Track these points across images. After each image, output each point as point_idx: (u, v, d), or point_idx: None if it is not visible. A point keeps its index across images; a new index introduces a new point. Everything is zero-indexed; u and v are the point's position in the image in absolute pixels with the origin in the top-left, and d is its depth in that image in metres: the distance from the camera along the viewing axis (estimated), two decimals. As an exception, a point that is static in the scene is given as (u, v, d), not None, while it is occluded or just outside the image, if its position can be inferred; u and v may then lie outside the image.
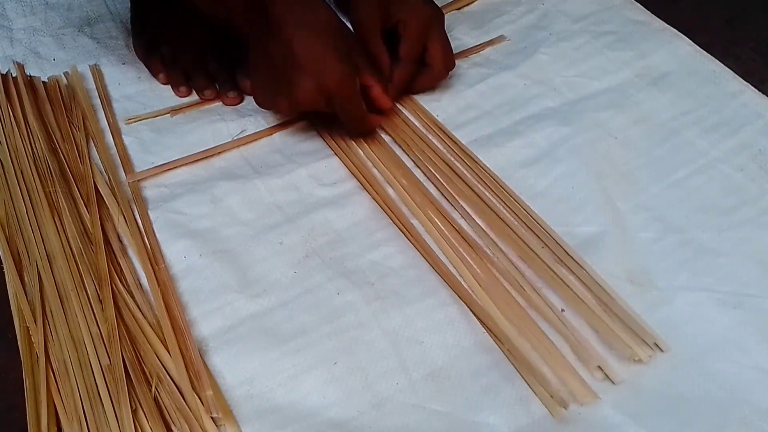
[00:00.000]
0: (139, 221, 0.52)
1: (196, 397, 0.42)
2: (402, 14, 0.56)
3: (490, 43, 0.67)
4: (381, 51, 0.57)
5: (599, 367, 0.42)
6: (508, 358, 0.43)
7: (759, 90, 0.60)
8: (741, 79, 0.61)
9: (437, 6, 0.59)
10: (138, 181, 0.55)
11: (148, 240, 0.50)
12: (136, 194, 0.53)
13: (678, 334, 0.44)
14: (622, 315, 0.44)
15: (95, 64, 0.65)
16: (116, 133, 0.59)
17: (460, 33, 0.68)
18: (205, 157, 0.57)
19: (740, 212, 0.51)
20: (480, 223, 0.51)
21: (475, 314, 0.45)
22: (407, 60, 0.58)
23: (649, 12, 0.69)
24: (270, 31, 0.51)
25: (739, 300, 0.46)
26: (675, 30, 0.66)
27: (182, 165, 0.56)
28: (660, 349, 0.43)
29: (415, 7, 0.57)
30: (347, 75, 0.51)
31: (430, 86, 0.61)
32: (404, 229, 0.51)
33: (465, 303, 0.46)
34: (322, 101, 0.52)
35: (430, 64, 0.59)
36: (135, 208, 0.53)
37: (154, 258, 0.49)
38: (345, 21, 0.56)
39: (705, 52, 0.64)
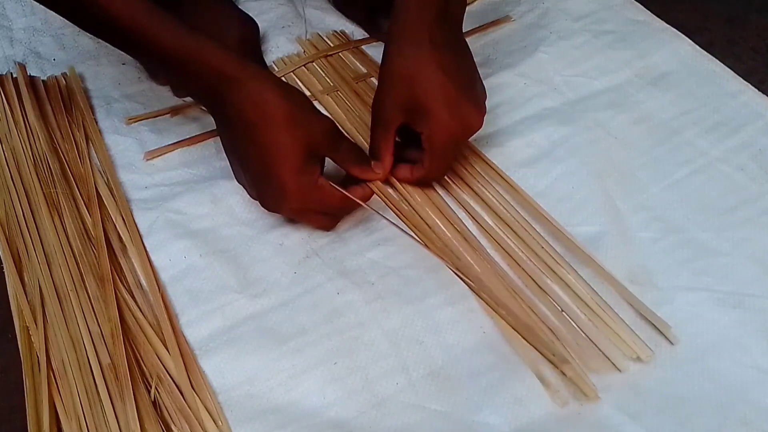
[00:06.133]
0: (138, 221, 0.52)
1: (196, 397, 0.42)
2: (427, 129, 0.48)
3: (496, 23, 0.68)
4: (386, 153, 0.51)
5: (602, 364, 0.43)
6: (516, 351, 0.43)
7: (759, 90, 0.60)
8: (741, 79, 0.61)
9: (473, 114, 0.49)
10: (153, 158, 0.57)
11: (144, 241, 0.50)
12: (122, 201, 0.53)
13: (678, 334, 0.44)
14: (637, 308, 0.45)
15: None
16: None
17: (460, 33, 0.68)
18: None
19: (740, 212, 0.51)
20: (482, 220, 0.51)
21: (485, 300, 0.45)
22: (429, 173, 0.51)
23: (649, 12, 0.69)
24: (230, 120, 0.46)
25: (739, 300, 0.46)
26: (675, 30, 0.66)
27: (198, 141, 0.58)
28: (670, 341, 0.44)
29: (441, 122, 0.48)
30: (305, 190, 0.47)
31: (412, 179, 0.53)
32: (410, 226, 0.50)
33: (474, 292, 0.46)
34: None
35: (422, 160, 0.51)
36: (133, 208, 0.53)
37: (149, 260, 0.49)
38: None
39: (705, 52, 0.64)
